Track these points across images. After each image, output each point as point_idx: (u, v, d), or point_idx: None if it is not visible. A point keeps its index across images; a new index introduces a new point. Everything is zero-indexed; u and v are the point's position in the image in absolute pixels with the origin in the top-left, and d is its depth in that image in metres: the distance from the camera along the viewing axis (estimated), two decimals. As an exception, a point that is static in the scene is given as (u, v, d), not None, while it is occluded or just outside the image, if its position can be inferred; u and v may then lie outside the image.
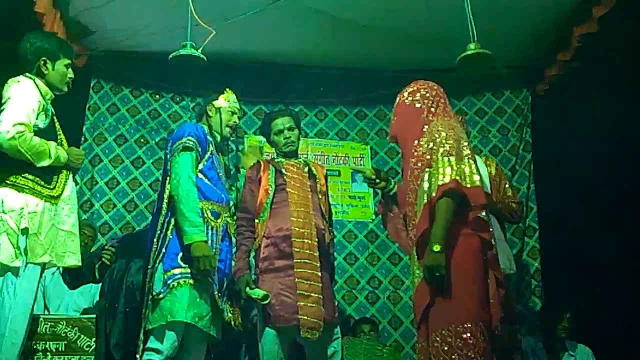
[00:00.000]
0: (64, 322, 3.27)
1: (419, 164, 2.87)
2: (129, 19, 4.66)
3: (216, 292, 3.15)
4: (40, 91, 2.99)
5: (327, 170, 3.88)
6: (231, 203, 3.48)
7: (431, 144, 2.85)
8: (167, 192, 3.19)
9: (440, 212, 2.69)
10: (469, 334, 2.57)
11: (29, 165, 2.86)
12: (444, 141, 2.82)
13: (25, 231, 2.82)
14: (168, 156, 3.27)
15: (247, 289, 3.30)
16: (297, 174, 3.58)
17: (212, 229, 3.22)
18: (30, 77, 3.01)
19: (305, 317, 3.23)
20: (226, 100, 3.51)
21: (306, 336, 3.22)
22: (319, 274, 3.35)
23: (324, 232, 3.50)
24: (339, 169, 5.44)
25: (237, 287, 3.38)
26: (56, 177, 2.97)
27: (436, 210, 2.71)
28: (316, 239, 3.41)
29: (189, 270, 3.06)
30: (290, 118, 3.71)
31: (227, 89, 3.56)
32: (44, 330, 3.22)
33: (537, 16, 4.70)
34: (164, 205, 3.17)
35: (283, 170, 3.55)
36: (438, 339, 2.61)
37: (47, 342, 3.21)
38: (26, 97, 2.89)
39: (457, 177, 2.72)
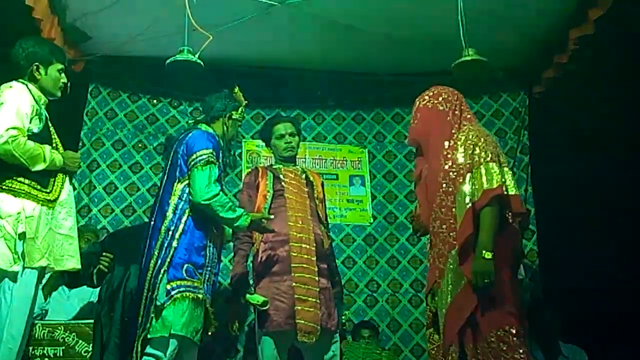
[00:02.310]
0: (62, 328, 3.27)
1: (454, 167, 2.90)
2: (126, 24, 4.66)
3: (209, 306, 3.15)
4: (33, 96, 2.99)
5: (324, 174, 3.89)
6: None
7: (470, 150, 2.89)
8: (174, 198, 3.16)
9: (488, 218, 2.76)
10: (522, 334, 2.69)
11: (25, 169, 2.86)
12: (484, 147, 2.88)
13: (22, 236, 2.82)
14: (180, 161, 3.21)
15: (247, 294, 3.31)
16: (294, 180, 3.60)
17: (212, 241, 3.21)
18: (23, 82, 3.02)
19: (302, 322, 3.24)
20: (242, 114, 3.53)
21: (303, 340, 3.22)
22: (317, 278, 3.36)
23: (321, 237, 3.51)
24: (336, 173, 5.44)
25: (240, 292, 3.40)
26: (52, 181, 2.97)
27: (483, 216, 2.77)
28: (314, 244, 3.42)
29: (190, 284, 3.05)
30: (292, 124, 3.75)
31: (242, 99, 3.53)
32: (41, 336, 3.23)
33: (533, 19, 4.71)
34: (170, 210, 3.14)
35: (281, 176, 3.57)
36: (494, 339, 2.68)
37: (45, 348, 3.22)
38: (19, 101, 2.89)
39: (502, 184, 2.79)
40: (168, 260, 3.06)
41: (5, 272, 2.80)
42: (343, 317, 4.02)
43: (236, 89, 3.56)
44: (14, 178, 2.86)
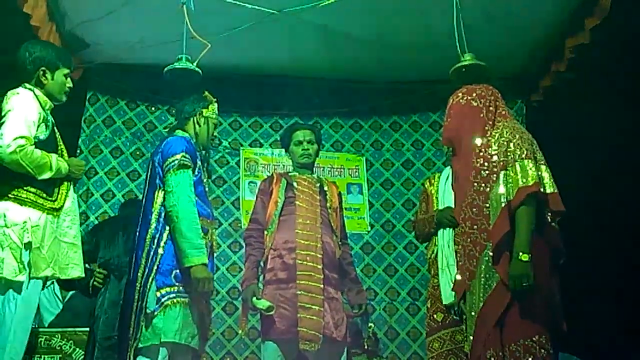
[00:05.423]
0: (59, 336, 3.26)
1: (486, 165, 2.82)
2: (124, 32, 4.68)
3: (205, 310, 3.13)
4: (40, 102, 2.94)
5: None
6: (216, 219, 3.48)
7: (505, 146, 2.79)
8: (156, 205, 3.10)
9: (524, 218, 2.65)
10: (550, 345, 2.58)
11: (31, 178, 2.82)
12: (519, 143, 2.78)
13: (28, 245, 2.78)
14: (158, 169, 3.16)
15: (254, 298, 3.32)
16: (307, 187, 3.61)
17: None
18: (29, 88, 2.96)
19: (304, 329, 3.24)
20: (213, 112, 3.48)
21: (304, 348, 3.22)
22: (322, 286, 3.35)
23: (332, 246, 3.50)
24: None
25: (244, 296, 3.39)
26: (57, 189, 2.95)
27: (518, 216, 2.66)
28: (321, 252, 3.42)
29: (181, 289, 3.01)
30: (311, 132, 3.77)
31: (212, 98, 3.48)
32: (38, 344, 3.20)
33: (530, 28, 4.74)
34: (153, 219, 3.09)
35: (294, 184, 3.59)
36: (520, 349, 2.57)
37: (42, 356, 3.19)
38: (26, 109, 2.85)
39: (537, 181, 2.69)
40: (155, 267, 3.01)
41: (10, 282, 2.75)
42: (369, 330, 3.97)
43: (205, 93, 3.53)
44: (20, 187, 2.83)
